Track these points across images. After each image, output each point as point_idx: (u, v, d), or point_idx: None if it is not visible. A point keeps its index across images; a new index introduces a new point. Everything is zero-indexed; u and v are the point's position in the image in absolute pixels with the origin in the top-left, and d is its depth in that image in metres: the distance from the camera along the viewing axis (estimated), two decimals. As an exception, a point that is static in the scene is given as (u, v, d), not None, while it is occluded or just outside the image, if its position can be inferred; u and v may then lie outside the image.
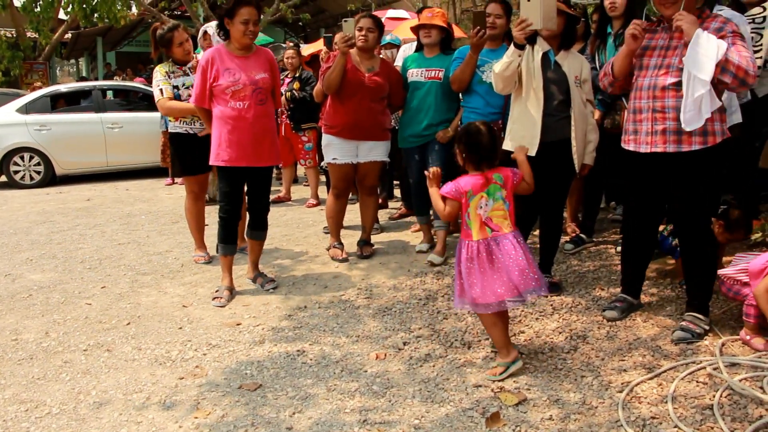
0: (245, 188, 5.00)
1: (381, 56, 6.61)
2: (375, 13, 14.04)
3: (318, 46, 9.58)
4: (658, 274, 4.80)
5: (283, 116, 8.11)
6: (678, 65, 3.58)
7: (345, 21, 5.18)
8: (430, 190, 3.62)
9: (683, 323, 3.80)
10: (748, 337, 3.60)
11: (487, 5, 5.06)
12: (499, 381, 3.39)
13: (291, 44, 8.84)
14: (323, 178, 8.11)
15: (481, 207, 3.44)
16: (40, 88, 12.34)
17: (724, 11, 4.52)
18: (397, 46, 7.53)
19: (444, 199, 3.52)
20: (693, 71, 3.44)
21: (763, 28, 4.80)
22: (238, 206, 4.96)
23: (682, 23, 3.48)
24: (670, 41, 3.64)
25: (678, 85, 3.58)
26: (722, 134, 3.61)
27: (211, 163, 4.84)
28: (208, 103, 4.78)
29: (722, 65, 3.39)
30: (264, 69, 4.75)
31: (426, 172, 3.65)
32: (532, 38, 4.28)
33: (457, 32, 8.91)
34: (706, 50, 3.41)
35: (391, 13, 12.37)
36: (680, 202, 3.77)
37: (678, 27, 3.51)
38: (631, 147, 3.86)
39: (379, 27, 5.39)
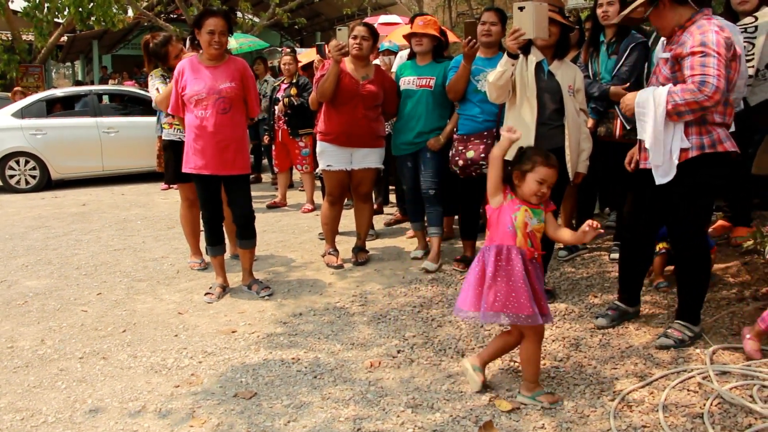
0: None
1: (377, 62, 6.65)
2: (368, 18, 14.12)
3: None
4: (651, 281, 4.82)
5: (281, 122, 8.15)
6: (654, 83, 3.66)
7: (339, 29, 5.20)
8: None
9: (668, 330, 3.84)
10: (747, 336, 3.60)
11: (482, 14, 5.09)
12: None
13: (288, 50, 8.87)
14: (319, 183, 8.13)
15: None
16: (23, 95, 12.33)
17: (717, 20, 4.55)
18: (395, 53, 7.56)
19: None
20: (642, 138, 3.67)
21: (755, 37, 4.83)
22: (216, 210, 5.08)
23: (625, 104, 3.74)
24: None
25: None
26: (700, 148, 3.55)
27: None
28: (182, 111, 4.88)
29: (674, 112, 3.47)
30: (232, 78, 4.77)
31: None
32: (526, 48, 4.31)
33: (452, 37, 8.95)
34: (645, 115, 3.58)
35: (384, 18, 12.40)
36: (671, 211, 3.80)
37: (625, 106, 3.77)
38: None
39: (373, 35, 5.41)
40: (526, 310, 3.10)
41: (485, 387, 3.40)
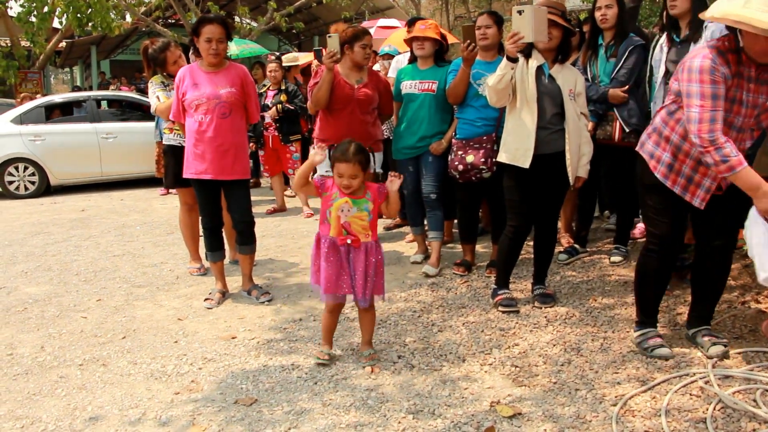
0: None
1: (377, 66, 6.64)
2: (367, 22, 14.11)
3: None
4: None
5: (272, 128, 8.16)
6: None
7: (329, 36, 5.16)
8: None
9: (709, 337, 3.73)
10: None
11: (477, 18, 5.09)
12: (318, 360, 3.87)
13: (273, 56, 8.82)
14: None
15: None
16: (31, 99, 12.32)
17: (711, 25, 4.55)
18: (394, 57, 7.56)
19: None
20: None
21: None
22: (216, 215, 5.09)
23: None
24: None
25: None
26: None
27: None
28: (183, 117, 4.89)
29: None
30: (232, 84, 4.78)
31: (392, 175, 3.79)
32: (527, 51, 4.31)
33: (451, 39, 8.94)
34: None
35: (383, 21, 12.42)
36: (714, 229, 3.69)
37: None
38: (677, 191, 3.56)
39: None
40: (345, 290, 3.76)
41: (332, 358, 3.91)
